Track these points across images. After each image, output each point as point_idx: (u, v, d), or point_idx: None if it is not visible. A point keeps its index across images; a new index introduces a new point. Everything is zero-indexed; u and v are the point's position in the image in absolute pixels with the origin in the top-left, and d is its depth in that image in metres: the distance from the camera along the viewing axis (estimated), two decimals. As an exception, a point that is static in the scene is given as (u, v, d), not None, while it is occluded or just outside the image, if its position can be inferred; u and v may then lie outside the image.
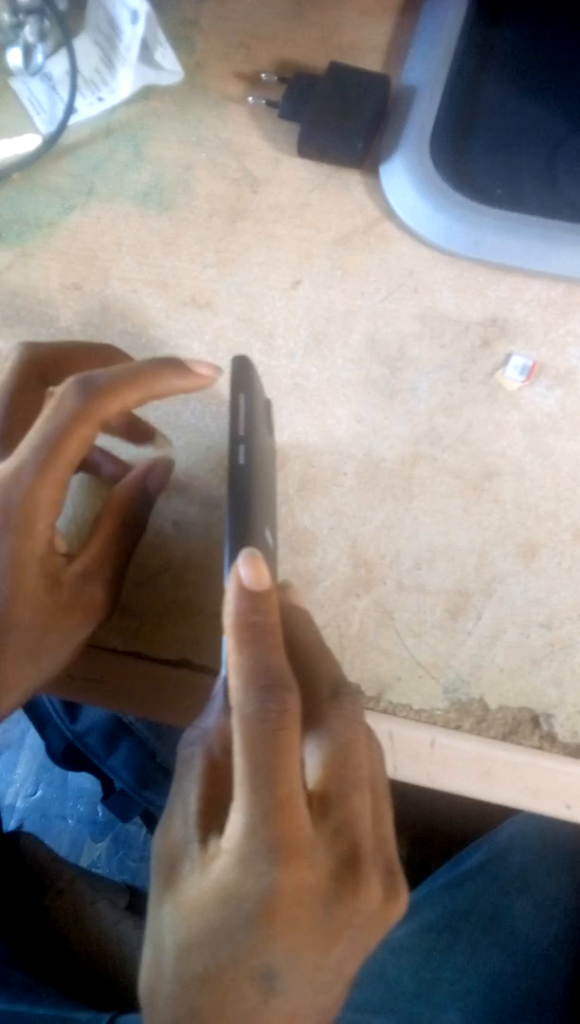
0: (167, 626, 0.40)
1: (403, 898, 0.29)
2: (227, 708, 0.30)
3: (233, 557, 0.32)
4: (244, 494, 0.34)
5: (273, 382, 0.45)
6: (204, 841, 0.29)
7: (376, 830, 0.30)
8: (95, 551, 0.35)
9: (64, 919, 0.63)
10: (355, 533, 0.41)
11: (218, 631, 0.31)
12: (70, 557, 0.35)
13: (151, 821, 0.83)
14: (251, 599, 0.30)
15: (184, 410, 0.45)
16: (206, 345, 0.46)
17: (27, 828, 1.13)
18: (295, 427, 0.44)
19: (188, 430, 0.44)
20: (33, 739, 1.19)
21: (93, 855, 1.13)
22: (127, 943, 0.61)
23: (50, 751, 0.73)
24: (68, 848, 1.13)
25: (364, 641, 0.39)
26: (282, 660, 0.30)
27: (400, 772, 0.38)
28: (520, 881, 0.59)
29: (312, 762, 0.30)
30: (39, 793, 1.17)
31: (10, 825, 1.15)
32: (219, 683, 0.33)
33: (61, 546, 0.35)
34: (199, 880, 0.28)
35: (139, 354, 0.45)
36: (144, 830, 1.12)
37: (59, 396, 0.33)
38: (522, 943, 0.57)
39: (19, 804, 1.16)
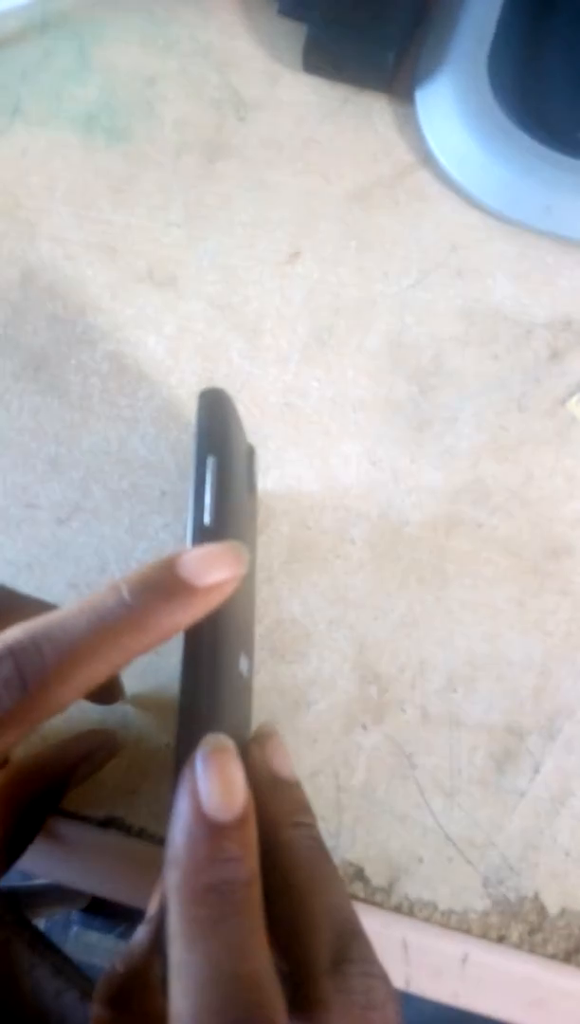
0: (92, 764, 0.28)
1: None
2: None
3: (187, 745, 0.20)
4: (208, 627, 0.22)
5: (257, 400, 0.32)
6: None
7: None
8: None
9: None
10: (364, 631, 0.29)
11: (163, 781, 0.19)
12: None
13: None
14: (215, 839, 0.18)
15: (130, 436, 0.32)
16: (165, 340, 0.33)
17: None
18: (284, 468, 0.31)
19: (135, 465, 0.32)
20: None
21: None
22: (70, 1020, 0.49)
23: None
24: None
25: (371, 799, 0.28)
26: (261, 958, 0.18)
27: (414, 985, 0.27)
28: None
29: None
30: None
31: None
32: (152, 906, 0.22)
33: None
34: None
35: (70, 352, 0.32)
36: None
37: None
38: None
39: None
